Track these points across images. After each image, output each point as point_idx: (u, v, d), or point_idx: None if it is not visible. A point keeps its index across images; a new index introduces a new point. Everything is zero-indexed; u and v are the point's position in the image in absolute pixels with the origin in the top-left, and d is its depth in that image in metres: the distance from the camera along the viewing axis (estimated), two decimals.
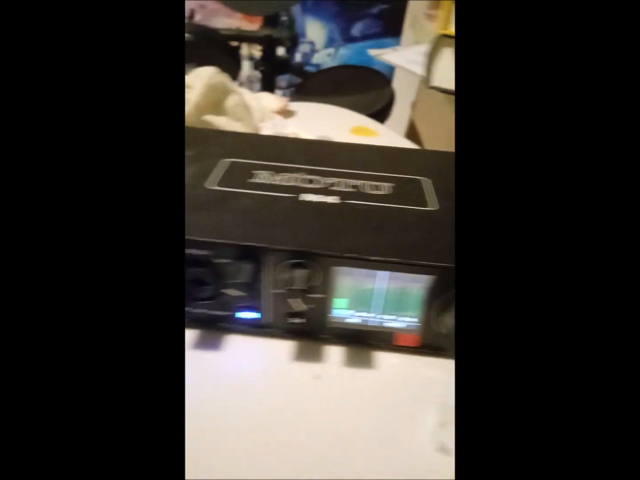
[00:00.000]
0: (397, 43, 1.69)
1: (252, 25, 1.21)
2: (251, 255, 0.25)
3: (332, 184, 0.31)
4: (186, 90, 0.52)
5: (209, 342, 0.27)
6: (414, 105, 1.24)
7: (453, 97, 0.63)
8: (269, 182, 0.31)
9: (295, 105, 0.68)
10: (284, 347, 0.28)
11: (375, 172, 0.34)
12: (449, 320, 0.25)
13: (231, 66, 1.11)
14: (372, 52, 0.69)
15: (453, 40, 0.57)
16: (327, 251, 0.25)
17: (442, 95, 0.63)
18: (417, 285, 0.25)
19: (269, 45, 1.19)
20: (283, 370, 0.26)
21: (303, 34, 1.69)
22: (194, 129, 0.42)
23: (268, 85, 1.28)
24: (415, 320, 0.26)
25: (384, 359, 0.27)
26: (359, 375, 0.26)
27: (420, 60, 0.59)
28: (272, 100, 0.64)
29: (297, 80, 1.42)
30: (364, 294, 0.26)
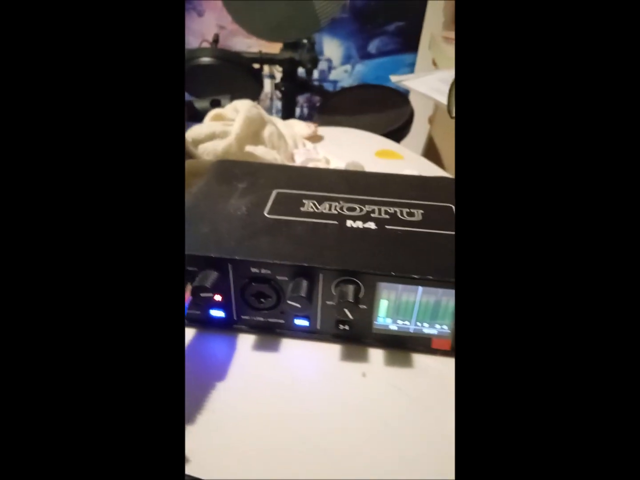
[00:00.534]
0: (414, 60, 1.72)
1: (272, 46, 1.26)
2: (307, 273, 0.30)
3: (371, 211, 0.37)
4: (227, 123, 0.58)
5: (269, 345, 0.33)
6: (431, 121, 1.28)
7: None
8: (316, 211, 0.37)
9: (322, 130, 0.73)
10: (333, 350, 0.33)
11: (407, 199, 0.39)
12: None
13: (253, 86, 1.18)
14: (394, 78, 0.74)
15: None
16: (372, 270, 0.30)
17: None
18: (448, 298, 0.30)
19: (289, 66, 1.25)
20: (333, 367, 0.31)
21: (321, 52, 1.72)
22: (242, 162, 0.47)
23: (289, 104, 1.33)
24: (446, 327, 0.31)
25: (421, 360, 0.32)
26: (401, 374, 0.31)
27: (442, 88, 0.63)
28: (302, 127, 0.70)
29: (316, 98, 1.47)
30: (402, 306, 0.31)
